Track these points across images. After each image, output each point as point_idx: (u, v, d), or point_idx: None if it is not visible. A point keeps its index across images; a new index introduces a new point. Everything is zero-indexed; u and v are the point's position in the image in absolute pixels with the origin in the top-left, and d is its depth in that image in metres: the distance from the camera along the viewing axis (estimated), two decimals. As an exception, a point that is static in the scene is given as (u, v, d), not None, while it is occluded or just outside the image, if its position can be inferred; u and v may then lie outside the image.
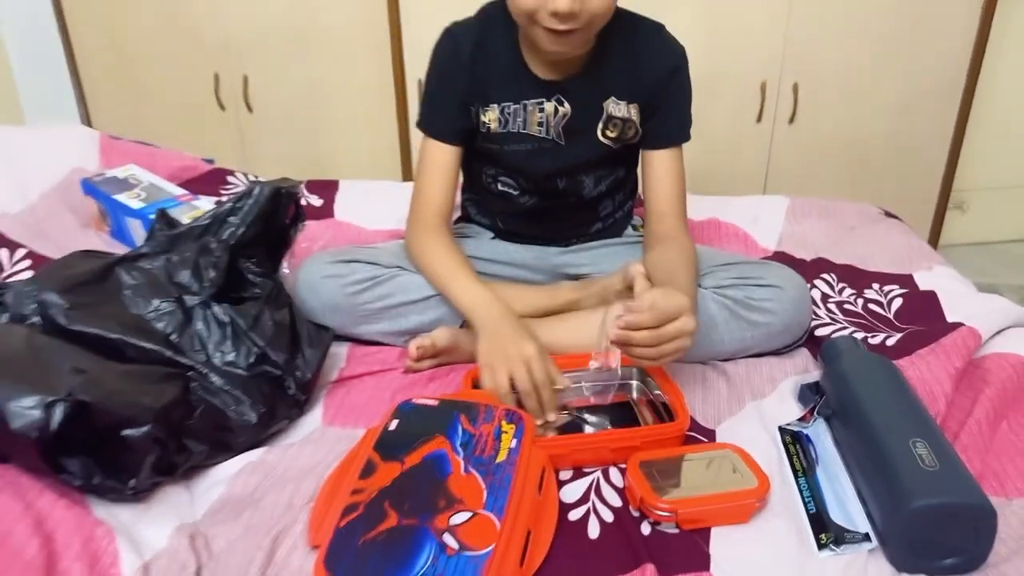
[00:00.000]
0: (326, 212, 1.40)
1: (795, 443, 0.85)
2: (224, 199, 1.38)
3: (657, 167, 1.08)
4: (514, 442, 0.79)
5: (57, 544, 0.67)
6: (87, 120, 2.19)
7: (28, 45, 2.10)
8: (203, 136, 2.10)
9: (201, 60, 2.05)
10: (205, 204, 1.23)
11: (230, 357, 0.87)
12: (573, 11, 0.89)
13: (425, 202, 1.07)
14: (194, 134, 2.08)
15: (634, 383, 0.97)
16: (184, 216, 1.15)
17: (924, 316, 1.07)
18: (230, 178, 1.49)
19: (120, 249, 1.16)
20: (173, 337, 0.86)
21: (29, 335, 0.76)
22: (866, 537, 0.73)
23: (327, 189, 1.47)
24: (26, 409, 0.67)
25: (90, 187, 1.29)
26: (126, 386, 0.74)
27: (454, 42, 1.06)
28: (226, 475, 0.81)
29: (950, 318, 1.04)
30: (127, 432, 0.72)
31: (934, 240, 2.21)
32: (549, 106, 1.05)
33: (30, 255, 1.17)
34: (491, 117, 1.06)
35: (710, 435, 0.89)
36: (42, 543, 0.66)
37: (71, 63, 2.12)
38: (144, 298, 0.87)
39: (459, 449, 0.78)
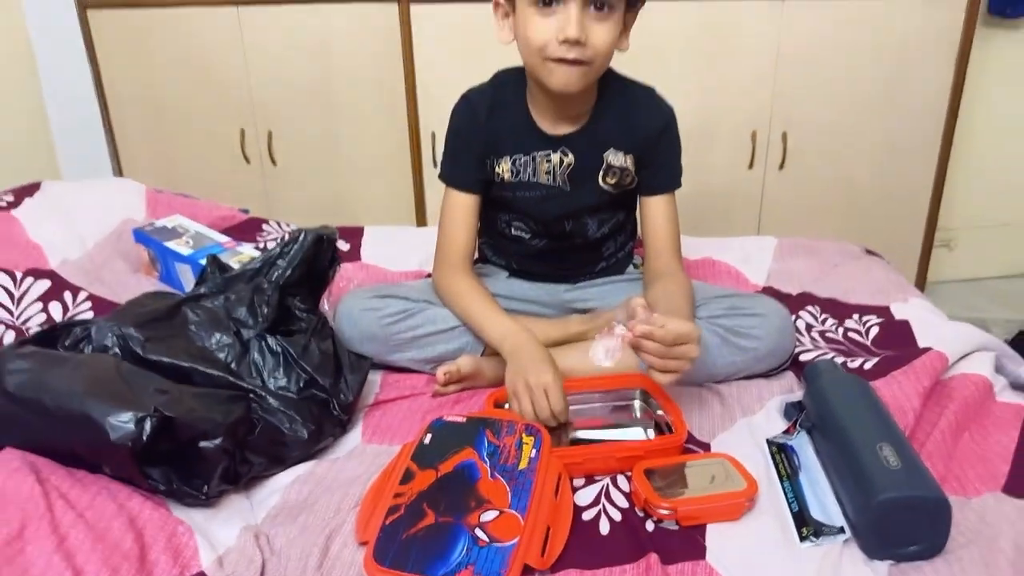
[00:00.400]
0: (353, 255, 1.53)
1: (780, 453, 0.97)
2: (264, 244, 1.52)
3: (654, 211, 1.21)
4: (534, 452, 0.91)
5: (147, 538, 0.78)
6: (119, 173, 2.34)
7: (66, 102, 2.26)
8: (228, 187, 2.22)
9: (229, 117, 2.20)
10: (248, 249, 1.36)
11: (282, 382, 0.99)
12: (580, 38, 1.02)
13: (450, 245, 1.20)
14: (220, 186, 2.21)
15: (637, 403, 1.08)
16: (231, 260, 1.27)
17: (898, 342, 1.18)
18: (264, 226, 1.63)
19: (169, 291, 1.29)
20: (233, 365, 0.98)
21: (117, 362, 0.88)
22: (841, 530, 0.83)
23: (353, 235, 1.60)
24: (122, 423, 0.78)
25: (142, 236, 1.42)
26: (200, 405, 0.86)
27: (471, 105, 1.20)
28: (281, 485, 0.92)
29: (921, 344, 1.15)
30: (203, 444, 0.83)
31: (922, 277, 2.32)
32: (555, 157, 1.18)
33: (90, 297, 1.29)
34: (504, 168, 1.20)
35: (705, 447, 1.00)
36: (135, 537, 0.77)
37: (106, 120, 2.28)
38: (207, 332, 1.00)
39: (486, 458, 0.90)
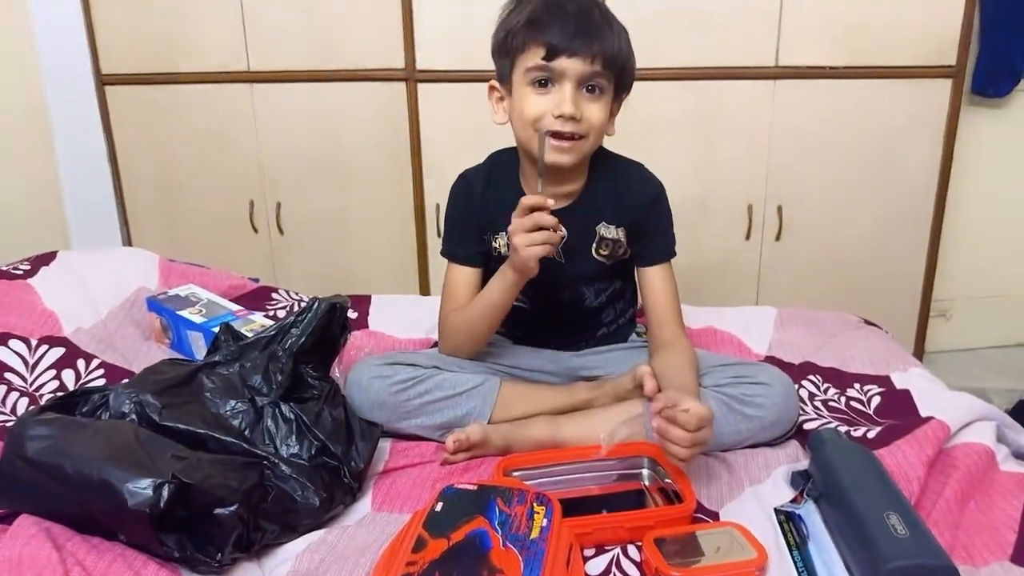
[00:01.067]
0: (361, 323, 1.55)
1: (788, 521, 0.97)
2: (274, 313, 1.54)
3: (652, 281, 1.26)
4: (545, 521, 0.91)
5: (161, 606, 0.78)
6: (128, 242, 2.38)
7: (79, 172, 2.32)
8: (236, 256, 2.25)
9: (239, 189, 2.26)
10: (259, 318, 1.39)
11: (294, 449, 1.00)
12: (575, 115, 1.09)
13: (453, 308, 1.25)
14: (228, 254, 2.24)
15: (645, 471, 1.09)
16: (243, 328, 1.30)
17: (900, 411, 1.20)
18: (274, 295, 1.66)
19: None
20: (247, 432, 0.99)
21: (135, 429, 0.90)
22: (852, 599, 0.84)
23: (361, 303, 1.62)
24: (140, 489, 0.80)
25: (155, 304, 1.45)
26: (216, 471, 0.87)
27: (467, 183, 1.27)
28: (293, 553, 0.92)
29: (923, 413, 1.17)
30: (218, 511, 0.84)
31: (920, 347, 2.34)
32: None
33: (103, 364, 1.31)
34: (500, 243, 1.25)
35: (714, 516, 1.00)
36: (149, 605, 0.77)
37: (117, 190, 2.33)
38: (222, 399, 1.02)
39: (497, 527, 0.90)
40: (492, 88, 1.21)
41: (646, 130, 2.04)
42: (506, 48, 1.15)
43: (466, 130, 2.10)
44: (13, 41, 2.18)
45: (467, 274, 1.27)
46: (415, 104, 2.12)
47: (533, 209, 1.07)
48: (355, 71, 2.12)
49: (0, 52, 2.17)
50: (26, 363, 1.26)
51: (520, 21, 1.13)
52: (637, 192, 1.25)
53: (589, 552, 0.94)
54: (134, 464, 0.82)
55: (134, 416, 0.96)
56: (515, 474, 1.07)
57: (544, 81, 1.12)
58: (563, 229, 1.21)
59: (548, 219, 1.06)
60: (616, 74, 1.13)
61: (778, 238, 2.18)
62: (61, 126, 2.28)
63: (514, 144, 1.23)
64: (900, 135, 2.11)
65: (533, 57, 1.11)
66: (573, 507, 0.97)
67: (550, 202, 1.07)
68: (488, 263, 1.27)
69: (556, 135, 1.12)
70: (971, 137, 2.25)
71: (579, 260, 1.26)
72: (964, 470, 1.03)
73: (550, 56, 1.09)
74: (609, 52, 1.10)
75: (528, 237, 1.07)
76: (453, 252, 1.28)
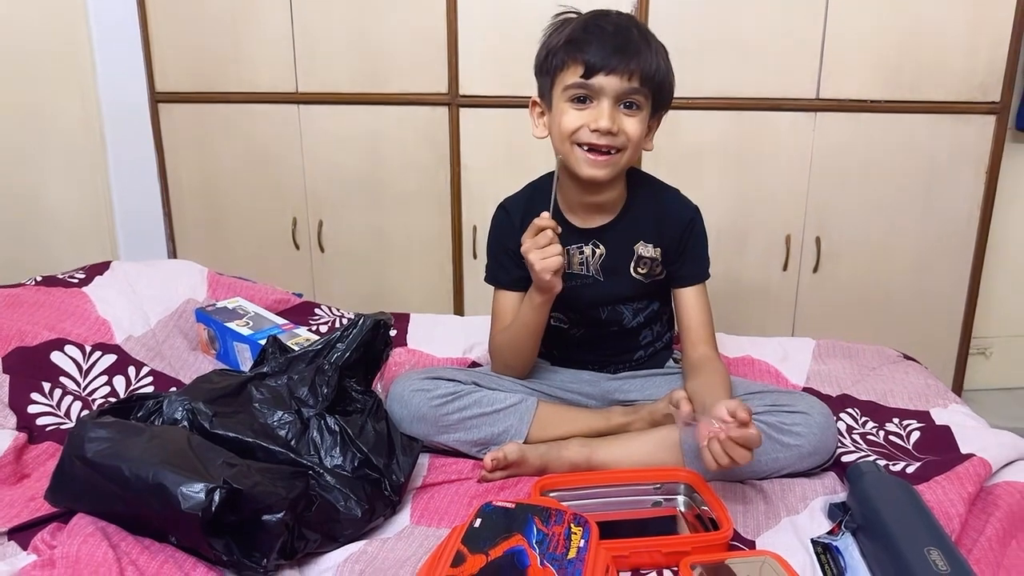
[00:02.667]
0: (400, 341, 1.58)
1: (826, 553, 0.97)
2: (317, 327, 1.58)
3: (687, 302, 1.29)
4: (582, 542, 0.92)
5: (209, 607, 0.81)
6: (173, 254, 2.45)
7: (130, 186, 2.39)
8: (277, 272, 2.31)
9: (282, 206, 2.31)
10: (303, 332, 1.42)
11: (338, 461, 1.02)
12: (612, 129, 1.13)
13: (499, 331, 1.29)
14: (269, 270, 2.29)
15: (681, 498, 1.10)
16: (288, 342, 1.33)
17: (940, 447, 1.19)
18: (317, 310, 1.70)
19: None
20: (293, 442, 1.02)
21: (188, 435, 0.93)
22: (891, 633, 0.84)
23: (400, 321, 1.65)
24: (194, 493, 0.82)
25: (203, 316, 1.49)
26: (265, 479, 0.90)
27: (506, 212, 1.32)
28: (334, 563, 0.94)
29: (963, 449, 1.16)
30: (266, 517, 0.87)
31: (958, 384, 2.31)
32: (588, 249, 1.27)
33: (151, 372, 1.36)
34: None
35: (750, 545, 1.00)
36: (198, 606, 0.80)
37: (165, 204, 2.40)
38: (270, 409, 1.04)
39: (535, 546, 0.91)
40: (534, 103, 1.26)
41: (687, 158, 2.06)
42: (547, 67, 1.20)
43: (505, 154, 2.14)
44: (73, 59, 2.26)
45: (511, 298, 1.31)
46: (456, 128, 2.16)
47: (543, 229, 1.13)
48: (399, 95, 2.17)
49: (60, 69, 2.26)
50: (80, 368, 1.31)
51: (560, 41, 1.17)
52: (675, 214, 1.29)
53: (625, 575, 0.94)
54: (188, 469, 0.85)
55: (186, 423, 0.99)
56: (552, 494, 1.08)
57: (583, 98, 1.16)
58: (601, 247, 1.25)
59: (555, 238, 1.13)
60: (653, 90, 1.17)
61: (816, 270, 2.17)
62: (115, 141, 2.36)
63: (550, 170, 1.25)
64: (942, 170, 2.11)
65: (572, 75, 1.15)
66: (609, 529, 0.98)
67: (557, 228, 1.14)
68: (530, 286, 1.29)
69: (592, 149, 1.15)
70: (1015, 174, 2.23)
71: (618, 278, 1.29)
72: (1006, 509, 1.02)
73: (588, 74, 1.13)
74: (646, 69, 1.14)
75: (541, 252, 1.13)
76: (497, 278, 1.33)
